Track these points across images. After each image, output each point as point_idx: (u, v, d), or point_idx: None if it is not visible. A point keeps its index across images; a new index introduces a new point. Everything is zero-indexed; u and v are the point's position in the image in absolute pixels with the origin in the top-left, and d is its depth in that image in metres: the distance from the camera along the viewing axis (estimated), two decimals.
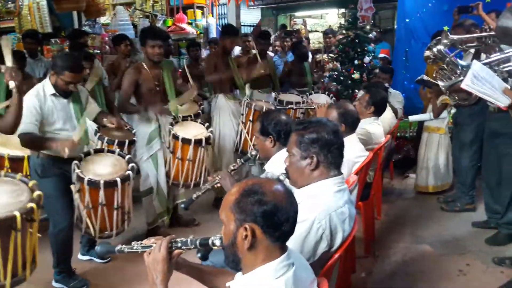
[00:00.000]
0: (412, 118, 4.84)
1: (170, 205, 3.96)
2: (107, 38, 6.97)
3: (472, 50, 3.62)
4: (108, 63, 5.77)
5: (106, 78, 5.20)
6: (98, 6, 6.85)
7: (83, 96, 3.16)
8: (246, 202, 1.25)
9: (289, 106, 4.51)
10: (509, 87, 1.83)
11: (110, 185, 2.94)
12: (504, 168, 3.42)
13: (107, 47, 6.86)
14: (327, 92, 5.33)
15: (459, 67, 2.72)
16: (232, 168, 2.65)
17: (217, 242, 1.36)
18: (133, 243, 1.53)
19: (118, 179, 2.96)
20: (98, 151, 3.22)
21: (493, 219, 3.75)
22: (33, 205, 2.22)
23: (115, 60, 5.55)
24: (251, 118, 4.14)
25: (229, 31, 4.60)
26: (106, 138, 3.64)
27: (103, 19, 8.20)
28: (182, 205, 2.60)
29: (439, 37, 3.48)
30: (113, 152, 3.26)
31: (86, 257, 3.49)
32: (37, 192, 2.33)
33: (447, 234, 3.80)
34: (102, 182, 2.90)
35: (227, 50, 4.56)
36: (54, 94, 2.92)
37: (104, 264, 3.42)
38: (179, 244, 1.44)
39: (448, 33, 3.37)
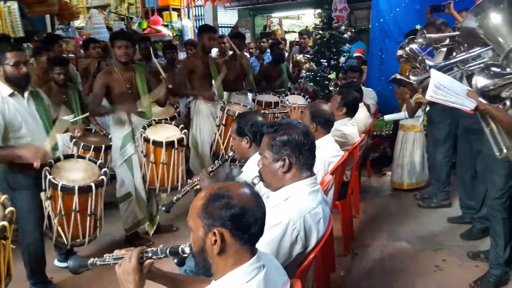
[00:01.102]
0: (387, 117, 4.91)
1: (153, 211, 3.91)
2: (81, 42, 6.85)
3: (444, 49, 3.70)
4: (82, 67, 5.68)
5: (80, 83, 5.13)
6: (71, 10, 6.74)
7: (44, 96, 3.10)
8: (213, 207, 1.24)
9: (262, 111, 4.49)
10: (471, 89, 1.86)
11: (85, 190, 2.91)
12: (479, 164, 3.48)
13: (82, 51, 6.75)
14: (302, 94, 5.35)
15: (427, 67, 2.77)
16: (211, 169, 2.65)
17: (187, 250, 1.35)
18: (105, 255, 1.52)
19: (93, 184, 2.93)
20: (67, 156, 3.18)
21: (468, 214, 3.83)
22: (5, 223, 2.15)
23: (89, 64, 5.47)
24: (223, 122, 4.12)
25: (206, 28, 4.60)
26: (82, 144, 3.60)
27: (77, 23, 8.07)
28: (163, 208, 2.58)
29: (411, 36, 3.53)
30: (83, 157, 3.23)
31: (64, 264, 3.40)
32: (9, 209, 2.24)
33: (424, 230, 3.86)
34: (76, 187, 2.86)
35: (206, 48, 4.52)
36: (12, 94, 2.80)
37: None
38: (150, 254, 1.43)
39: (425, 32, 3.42)
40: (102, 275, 3.23)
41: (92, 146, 3.69)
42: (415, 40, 3.18)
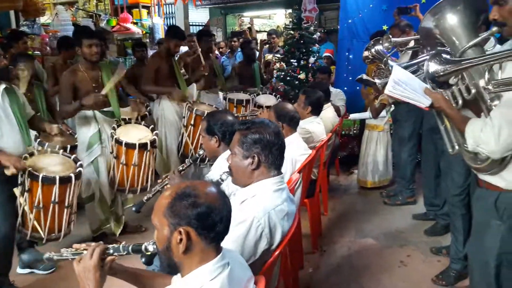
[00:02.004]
0: (352, 116, 5.05)
1: (119, 212, 3.86)
2: (47, 39, 6.67)
3: (410, 51, 3.80)
4: (49, 64, 5.53)
5: (47, 81, 4.99)
6: (37, 6, 6.54)
7: (19, 94, 3.03)
8: (180, 206, 1.24)
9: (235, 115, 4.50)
10: (429, 87, 1.92)
11: (65, 181, 2.95)
12: (442, 163, 3.59)
13: (48, 48, 6.57)
14: (274, 93, 5.39)
15: (390, 68, 2.85)
16: (181, 168, 2.65)
17: (150, 248, 1.35)
18: (62, 250, 1.48)
19: (73, 175, 2.98)
20: (41, 152, 3.17)
21: (432, 211, 3.95)
22: None
23: (56, 62, 5.33)
24: (192, 122, 4.09)
25: (175, 34, 4.46)
26: (47, 144, 3.52)
27: (43, 19, 7.86)
28: (133, 208, 2.56)
29: (377, 38, 3.62)
30: (57, 153, 3.23)
31: (26, 270, 3.32)
32: None
33: (390, 227, 3.96)
34: (58, 178, 2.88)
35: (171, 52, 4.44)
36: None
37: (47, 275, 3.28)
38: (111, 251, 1.42)
39: (390, 36, 3.51)
40: (69, 277, 3.16)
41: (57, 146, 3.61)
42: (381, 44, 3.26)
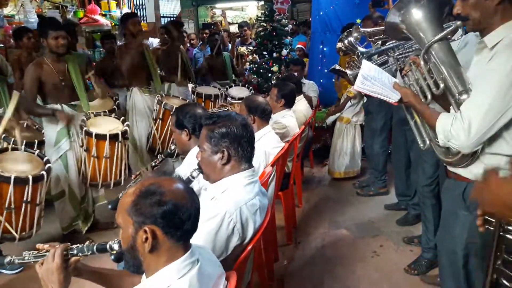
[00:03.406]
0: (328, 120, 5.15)
1: (89, 209, 3.75)
2: (11, 31, 6.42)
3: (380, 42, 3.83)
4: (13, 58, 5.33)
5: (12, 75, 4.80)
6: None
7: None
8: (144, 204, 1.19)
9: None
10: (397, 81, 1.93)
11: (38, 179, 2.89)
12: (412, 154, 3.65)
13: (12, 40, 6.33)
14: (246, 85, 5.36)
15: (359, 53, 2.88)
16: (154, 164, 2.60)
17: (115, 247, 1.30)
18: (24, 252, 1.42)
19: (44, 173, 2.92)
20: (1, 151, 3.07)
21: (403, 201, 4.01)
22: None
23: (20, 55, 5.13)
24: (160, 116, 4.03)
25: (127, 16, 4.49)
26: (12, 139, 3.39)
27: (6, 11, 7.55)
28: (109, 206, 2.49)
29: (350, 29, 3.63)
30: (17, 149, 3.13)
31: None
32: None
33: (362, 218, 4.00)
34: (31, 178, 2.81)
35: (134, 34, 4.36)
36: None
37: (16, 275, 3.18)
38: (75, 251, 1.37)
39: (359, 26, 3.53)
40: (37, 277, 3.07)
41: (24, 142, 3.49)
42: (352, 34, 3.27)
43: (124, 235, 1.24)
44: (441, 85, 1.73)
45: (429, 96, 1.79)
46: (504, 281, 1.27)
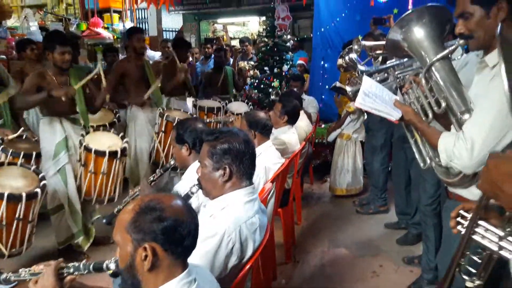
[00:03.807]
0: (330, 138, 5.12)
1: (88, 223, 3.70)
2: (14, 43, 6.46)
3: (381, 58, 3.83)
4: (15, 69, 5.33)
5: (12, 87, 4.79)
6: (3, 8, 6.34)
7: None
8: (144, 220, 1.17)
9: (208, 120, 4.43)
10: (398, 98, 1.91)
11: (31, 197, 2.80)
12: (412, 172, 3.62)
13: (14, 52, 6.36)
14: (246, 100, 5.35)
15: (360, 72, 2.87)
16: (152, 179, 2.57)
17: (112, 266, 1.27)
18: (20, 270, 1.39)
19: (39, 190, 2.84)
20: None
21: (403, 220, 3.97)
22: None
23: (24, 67, 5.14)
24: (163, 129, 4.00)
25: (133, 30, 4.48)
26: (10, 151, 3.36)
27: (9, 22, 7.61)
28: (104, 220, 2.46)
29: (351, 46, 3.64)
30: (14, 164, 3.05)
31: None
32: None
33: (362, 236, 3.96)
34: (24, 195, 2.73)
35: (137, 50, 4.37)
36: None
37: None
38: (71, 270, 1.34)
39: (360, 39, 3.53)
40: None
41: (22, 153, 3.46)
42: (352, 48, 3.28)
43: (122, 253, 1.21)
44: (443, 104, 1.71)
45: (430, 115, 1.77)
46: (464, 276, 1.34)
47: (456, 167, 1.66)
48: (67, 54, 3.35)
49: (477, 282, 1.31)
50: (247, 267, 1.65)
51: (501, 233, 1.18)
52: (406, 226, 3.90)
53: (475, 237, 1.26)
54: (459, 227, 1.35)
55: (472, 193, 1.73)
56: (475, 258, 1.32)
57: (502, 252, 1.17)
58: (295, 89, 4.96)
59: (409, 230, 3.83)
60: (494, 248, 1.19)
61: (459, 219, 1.35)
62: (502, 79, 0.83)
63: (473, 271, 1.32)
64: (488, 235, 1.22)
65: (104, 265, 1.29)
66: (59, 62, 3.35)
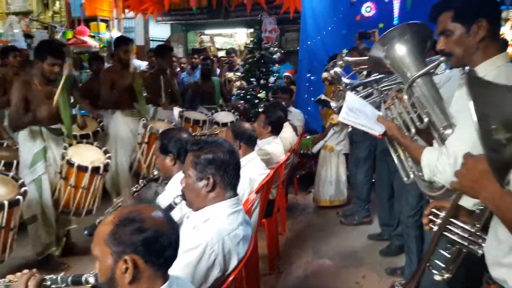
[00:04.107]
0: (314, 149, 5.15)
1: (60, 233, 3.63)
2: None
3: (365, 72, 3.89)
4: None
5: None
6: None
7: None
8: (124, 232, 1.16)
9: (193, 133, 4.41)
10: (381, 113, 1.94)
11: (13, 204, 2.77)
12: (395, 184, 3.66)
13: None
14: (233, 110, 5.37)
15: (343, 84, 2.92)
16: (135, 189, 2.54)
17: (91, 280, 1.26)
18: None
19: (21, 197, 2.81)
20: None
21: (387, 231, 4.00)
22: None
23: (6, 73, 5.08)
24: (146, 140, 3.98)
25: (120, 41, 4.43)
26: None
27: None
28: (85, 232, 2.42)
29: (335, 60, 3.69)
30: None
31: None
32: None
33: (346, 247, 3.98)
34: (7, 203, 2.70)
35: (124, 62, 4.32)
36: None
37: None
38: (48, 283, 1.32)
39: (343, 55, 3.58)
40: None
41: (2, 162, 3.42)
42: (336, 62, 3.33)
43: (102, 267, 1.20)
44: (425, 120, 1.74)
45: (412, 130, 1.79)
46: (433, 270, 1.44)
47: (439, 182, 1.66)
48: (56, 66, 3.33)
49: (446, 275, 1.41)
50: (230, 279, 1.64)
51: (472, 229, 1.31)
52: (389, 238, 3.93)
53: (447, 233, 1.36)
54: (431, 225, 1.43)
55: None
56: (444, 253, 1.42)
57: (471, 246, 1.30)
58: (283, 101, 5.01)
59: (392, 241, 3.86)
60: (465, 242, 1.32)
61: (431, 217, 1.43)
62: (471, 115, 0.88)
63: (442, 265, 1.43)
64: (459, 231, 1.34)
65: (83, 279, 1.28)
66: (47, 73, 3.33)
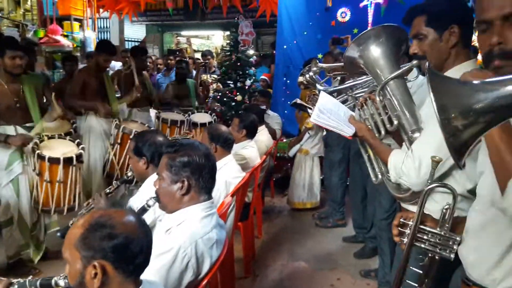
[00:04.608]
0: (291, 153, 5.16)
1: (40, 237, 3.55)
2: None
3: (339, 78, 3.94)
4: None
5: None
6: None
7: None
8: (94, 237, 1.14)
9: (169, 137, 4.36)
10: (354, 114, 1.96)
11: None
12: (369, 186, 3.71)
13: None
14: (210, 112, 5.35)
15: (318, 91, 2.95)
16: (108, 191, 2.50)
17: (61, 283, 1.23)
18: None
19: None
20: None
21: (360, 233, 4.05)
22: None
23: None
24: (119, 140, 3.91)
25: (105, 48, 4.30)
26: None
27: None
28: (58, 234, 2.36)
29: (310, 64, 3.73)
30: None
31: None
32: None
33: (321, 250, 4.00)
34: None
35: (101, 67, 4.27)
36: None
37: None
38: (16, 286, 1.28)
39: (318, 61, 3.62)
40: None
41: None
42: (310, 73, 3.36)
43: (72, 270, 1.18)
44: (395, 122, 1.76)
45: (382, 132, 1.81)
46: (410, 281, 1.44)
47: (405, 184, 1.69)
48: (18, 59, 3.23)
49: None
50: (204, 282, 1.63)
51: (442, 232, 1.33)
52: (363, 240, 3.98)
53: (418, 243, 1.37)
54: (401, 238, 1.42)
55: (426, 208, 1.78)
56: (416, 270, 1.41)
57: (443, 252, 1.31)
58: (263, 105, 5.03)
59: (366, 243, 3.91)
60: (437, 249, 1.33)
61: (400, 228, 1.43)
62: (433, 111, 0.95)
63: (415, 284, 1.43)
64: (429, 238, 1.35)
65: (53, 282, 1.25)
66: (10, 67, 3.24)
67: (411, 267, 1.42)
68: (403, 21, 1.76)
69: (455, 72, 1.63)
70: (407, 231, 1.39)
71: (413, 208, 1.80)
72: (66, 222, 3.34)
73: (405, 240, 1.38)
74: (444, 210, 1.34)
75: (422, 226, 1.36)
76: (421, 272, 1.40)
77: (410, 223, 1.38)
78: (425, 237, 1.35)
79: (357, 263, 3.70)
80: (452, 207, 1.32)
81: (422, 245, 1.35)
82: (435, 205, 1.58)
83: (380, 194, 3.10)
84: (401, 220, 1.42)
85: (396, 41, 1.85)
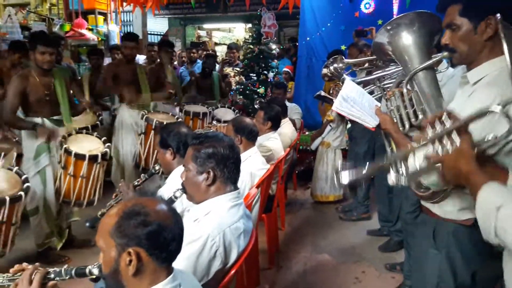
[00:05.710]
0: (313, 146, 5.16)
1: (63, 225, 3.65)
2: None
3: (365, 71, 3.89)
4: None
5: None
6: None
7: None
8: (128, 225, 1.16)
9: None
10: (379, 105, 1.91)
11: (15, 200, 2.75)
12: None
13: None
14: (232, 107, 5.36)
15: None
16: (136, 183, 2.54)
17: (95, 271, 1.25)
18: None
19: (23, 193, 2.78)
20: None
21: (386, 227, 4.01)
22: None
23: (3, 65, 5.03)
24: (143, 130, 4.01)
25: (128, 38, 4.49)
26: None
27: None
28: (87, 224, 2.42)
29: (335, 56, 3.68)
30: None
31: None
32: None
33: (345, 243, 3.98)
34: (8, 199, 2.68)
35: (129, 57, 4.39)
36: None
37: None
38: (52, 275, 1.31)
39: (343, 58, 3.57)
40: None
41: (2, 154, 3.40)
42: (336, 58, 3.32)
43: (106, 258, 1.20)
44: (420, 116, 1.70)
45: (407, 126, 1.75)
46: None
47: (424, 183, 1.59)
48: (47, 55, 3.31)
49: None
50: (232, 272, 1.64)
51: None
52: (388, 233, 3.94)
53: None
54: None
55: (443, 209, 1.68)
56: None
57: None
58: (278, 96, 5.00)
59: (391, 237, 3.87)
60: None
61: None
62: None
63: None
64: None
65: (87, 270, 1.28)
66: (40, 62, 3.32)
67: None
68: (436, 8, 1.64)
69: (489, 66, 1.53)
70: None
71: (434, 208, 1.72)
72: (86, 211, 3.44)
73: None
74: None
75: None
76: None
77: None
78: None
79: (382, 257, 3.67)
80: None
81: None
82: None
83: (407, 187, 3.05)
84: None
85: (429, 30, 1.76)
